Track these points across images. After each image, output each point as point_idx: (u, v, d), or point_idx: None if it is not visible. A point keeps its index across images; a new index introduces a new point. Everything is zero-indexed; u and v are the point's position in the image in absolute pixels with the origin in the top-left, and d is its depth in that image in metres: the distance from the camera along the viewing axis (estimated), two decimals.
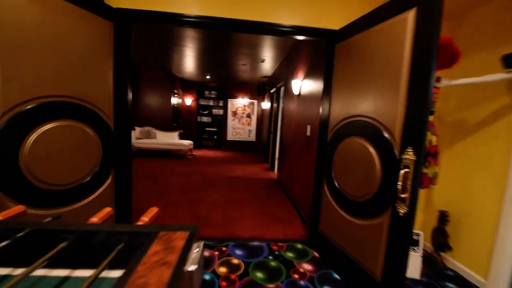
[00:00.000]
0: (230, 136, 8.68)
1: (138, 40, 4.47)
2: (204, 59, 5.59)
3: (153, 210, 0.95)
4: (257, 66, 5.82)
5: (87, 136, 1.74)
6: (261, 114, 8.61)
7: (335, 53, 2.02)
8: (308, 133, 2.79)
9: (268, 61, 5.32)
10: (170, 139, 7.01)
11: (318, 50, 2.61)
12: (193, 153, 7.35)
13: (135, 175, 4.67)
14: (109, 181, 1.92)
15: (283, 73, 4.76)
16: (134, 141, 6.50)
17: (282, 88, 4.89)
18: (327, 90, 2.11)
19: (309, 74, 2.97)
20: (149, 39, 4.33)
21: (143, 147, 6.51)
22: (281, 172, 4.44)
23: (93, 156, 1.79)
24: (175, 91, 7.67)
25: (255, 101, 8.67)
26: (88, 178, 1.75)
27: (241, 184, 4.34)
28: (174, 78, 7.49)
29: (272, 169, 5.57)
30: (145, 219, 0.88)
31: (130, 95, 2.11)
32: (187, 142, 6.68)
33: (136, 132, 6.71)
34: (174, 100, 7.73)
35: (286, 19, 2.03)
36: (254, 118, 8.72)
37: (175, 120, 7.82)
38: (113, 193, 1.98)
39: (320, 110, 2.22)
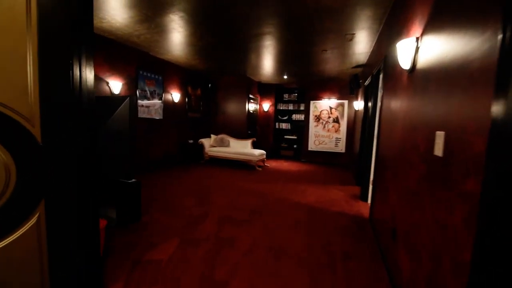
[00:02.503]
0: (312, 145, 7.20)
1: (207, 42, 4.06)
2: (280, 52, 4.59)
3: None
4: (344, 50, 4.20)
5: None
6: (354, 117, 6.62)
7: None
8: (439, 152, 1.12)
9: (361, 38, 3.64)
10: (243, 147, 6.44)
11: None
12: (266, 164, 6.45)
13: (186, 188, 4.21)
14: (31, 222, 1.18)
15: (382, 50, 2.98)
16: (207, 149, 6.36)
17: (381, 74, 3.10)
18: None
19: (438, 23, 1.29)
20: (217, 38, 3.80)
21: (214, 155, 6.26)
22: (376, 208, 2.65)
23: None
24: (251, 96, 7.12)
25: (345, 102, 6.79)
26: None
27: (308, 220, 2.91)
28: (250, 82, 6.96)
29: (364, 198, 3.72)
30: None
31: (86, 85, 1.34)
32: (258, 152, 5.85)
33: (211, 140, 6.58)
34: (251, 106, 7.19)
35: None
36: (343, 123, 6.84)
37: (251, 127, 7.25)
38: (43, 244, 1.23)
39: None
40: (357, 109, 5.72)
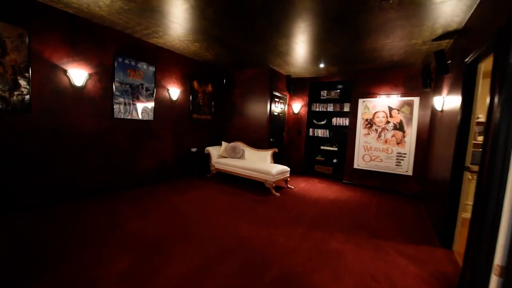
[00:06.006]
0: (360, 161, 5.09)
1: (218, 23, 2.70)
2: (311, 13, 2.92)
3: None
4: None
5: None
6: (431, 122, 4.33)
7: None
8: None
9: None
10: (260, 160, 4.85)
11: None
12: (289, 185, 4.68)
13: (144, 226, 2.33)
14: None
15: None
16: (214, 160, 4.97)
17: None
18: None
19: None
20: (231, 14, 2.40)
21: (221, 168, 4.82)
22: None
23: None
24: (277, 94, 5.48)
25: (415, 99, 4.52)
26: None
27: None
28: (274, 76, 5.34)
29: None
30: None
31: None
32: (276, 170, 4.15)
33: (221, 149, 5.18)
34: (276, 107, 5.56)
35: None
36: (411, 131, 4.58)
37: (275, 133, 5.59)
38: None
39: None
40: (440, 109, 3.51)
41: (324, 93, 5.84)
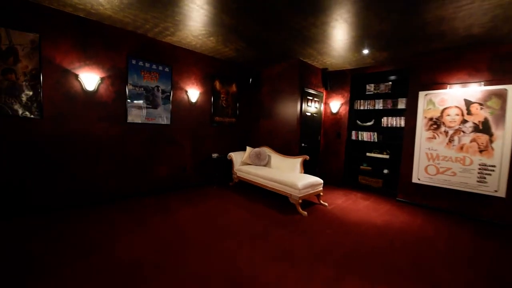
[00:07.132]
0: (422, 174, 3.87)
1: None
2: None
3: None
4: None
5: None
6: None
7: None
8: None
9: None
10: (288, 168, 4.14)
11: None
12: (322, 201, 3.82)
13: (135, 246, 1.95)
14: None
15: None
16: (236, 167, 4.49)
17: None
18: None
19: None
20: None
21: (242, 177, 4.30)
22: None
23: None
24: (310, 91, 4.69)
25: (509, 87, 3.14)
26: None
27: None
28: (306, 69, 4.57)
29: None
30: None
31: None
32: (303, 183, 3.38)
33: (244, 155, 4.66)
34: (309, 107, 4.77)
35: None
36: (503, 133, 3.20)
37: (307, 137, 4.79)
38: None
39: None
40: None
41: (370, 87, 4.75)
